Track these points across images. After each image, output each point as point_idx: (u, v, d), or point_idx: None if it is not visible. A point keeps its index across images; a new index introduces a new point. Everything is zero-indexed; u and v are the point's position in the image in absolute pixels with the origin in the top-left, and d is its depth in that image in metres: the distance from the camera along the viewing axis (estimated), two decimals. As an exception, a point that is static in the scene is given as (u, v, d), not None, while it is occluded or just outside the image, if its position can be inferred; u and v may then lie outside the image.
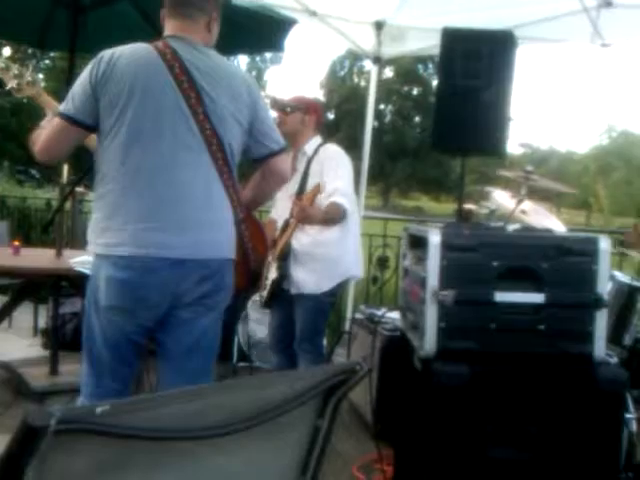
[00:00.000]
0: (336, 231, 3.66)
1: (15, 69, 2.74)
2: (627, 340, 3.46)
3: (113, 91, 2.34)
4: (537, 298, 2.55)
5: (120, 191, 2.36)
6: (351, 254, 3.85)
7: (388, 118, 49.33)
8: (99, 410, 0.98)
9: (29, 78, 2.75)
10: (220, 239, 2.47)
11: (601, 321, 2.57)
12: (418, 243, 2.79)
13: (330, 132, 39.99)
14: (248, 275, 2.69)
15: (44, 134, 2.49)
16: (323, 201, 3.56)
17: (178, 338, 2.47)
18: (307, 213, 3.46)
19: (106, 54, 2.38)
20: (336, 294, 3.96)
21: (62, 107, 2.44)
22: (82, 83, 2.39)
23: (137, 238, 2.32)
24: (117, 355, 2.44)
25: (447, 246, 2.54)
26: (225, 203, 2.48)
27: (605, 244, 2.57)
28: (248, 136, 2.54)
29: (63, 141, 2.46)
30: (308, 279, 3.67)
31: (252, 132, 2.54)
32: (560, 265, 2.56)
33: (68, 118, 2.40)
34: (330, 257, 3.69)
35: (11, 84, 2.74)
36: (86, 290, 2.49)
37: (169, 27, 2.51)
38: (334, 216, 3.58)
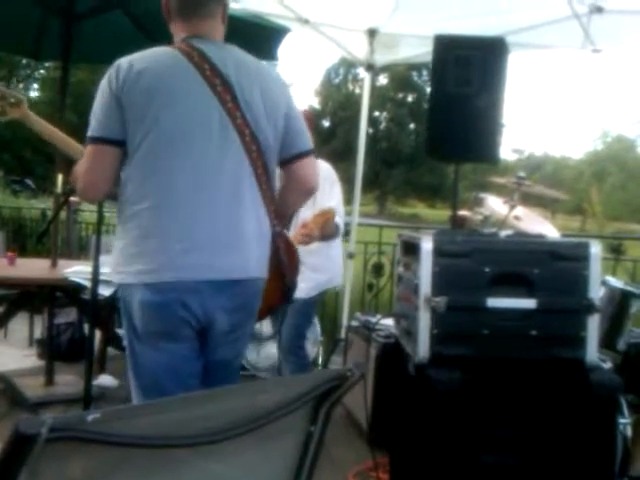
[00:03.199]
0: (324, 242, 3.78)
1: None
2: (621, 345, 3.48)
3: (140, 100, 2.12)
4: (529, 304, 2.56)
5: (154, 211, 2.14)
6: (335, 264, 4.08)
7: (383, 125, 49.46)
8: (90, 418, 0.99)
9: (12, 100, 2.57)
10: (259, 256, 2.31)
11: (593, 326, 2.58)
12: (411, 250, 2.80)
13: (326, 139, 40.11)
14: (282, 290, 2.51)
15: (81, 169, 2.24)
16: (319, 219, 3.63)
17: (207, 361, 2.32)
18: (313, 239, 3.49)
19: (123, 61, 2.16)
20: (318, 300, 4.15)
21: (89, 132, 2.19)
22: (102, 97, 2.16)
23: (175, 261, 2.13)
24: (178, 384, 2.20)
25: (439, 252, 2.55)
26: (263, 216, 2.30)
27: (596, 249, 2.58)
28: (280, 136, 2.33)
29: (102, 168, 2.19)
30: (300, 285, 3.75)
31: (284, 131, 2.33)
32: (552, 270, 2.57)
33: (97, 140, 2.16)
34: (318, 266, 3.82)
35: None
36: (123, 322, 2.29)
37: (185, 29, 2.28)
38: (329, 234, 3.71)
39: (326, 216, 3.46)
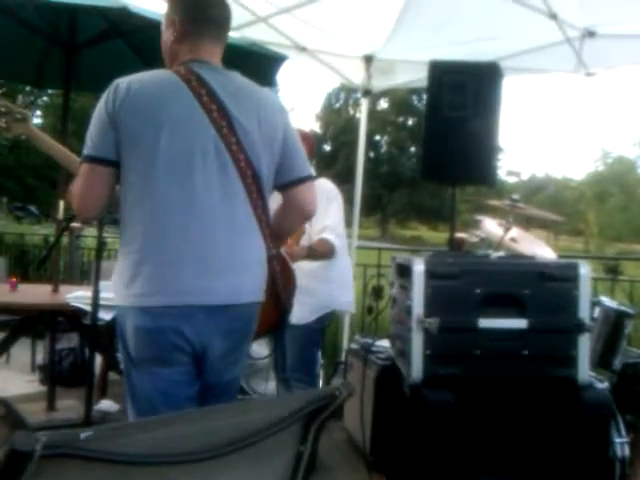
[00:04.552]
0: (319, 263, 3.70)
1: (2, 107, 2.53)
2: (616, 364, 3.50)
3: (136, 123, 2.12)
4: (520, 324, 2.60)
5: (150, 234, 2.14)
6: (335, 287, 3.88)
7: (384, 149, 49.61)
8: (83, 436, 1.02)
9: (18, 115, 2.54)
10: (255, 281, 2.29)
11: (584, 345, 2.62)
12: (404, 272, 2.84)
13: (327, 164, 40.23)
14: (278, 314, 2.52)
15: (75, 187, 2.23)
16: (314, 237, 3.60)
17: (204, 384, 2.29)
18: (293, 256, 3.44)
19: (121, 82, 2.14)
20: (323, 325, 3.96)
21: (84, 150, 2.18)
22: (97, 117, 2.16)
23: (171, 286, 2.13)
24: (173, 409, 2.10)
25: (431, 274, 2.59)
26: (259, 240, 2.28)
27: (585, 270, 2.62)
28: (277, 162, 2.31)
29: (94, 188, 2.19)
30: (294, 309, 3.70)
31: (281, 157, 2.32)
32: (542, 291, 2.61)
33: (91, 159, 2.15)
34: (313, 289, 3.65)
35: None
36: (119, 347, 2.28)
37: (186, 50, 2.28)
38: (321, 252, 3.61)
39: (298, 232, 3.41)
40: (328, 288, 3.82)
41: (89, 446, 1.03)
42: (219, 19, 2.32)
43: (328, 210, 3.68)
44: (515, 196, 3.63)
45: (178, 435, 1.17)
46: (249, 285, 2.27)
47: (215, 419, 1.25)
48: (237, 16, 4.83)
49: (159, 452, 1.15)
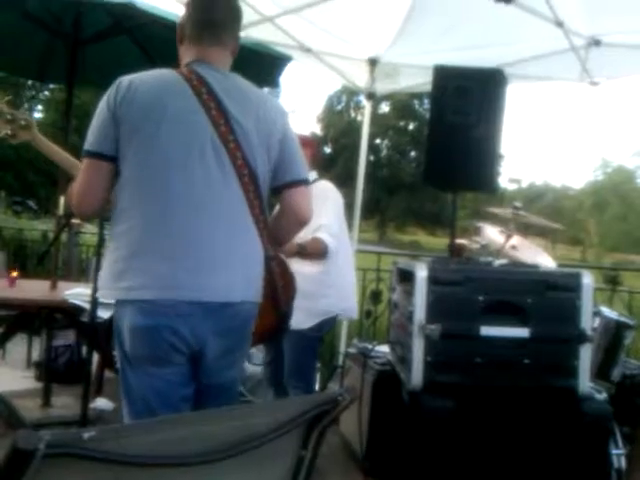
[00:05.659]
0: (318, 267, 3.62)
1: (8, 114, 2.57)
2: (615, 375, 3.49)
3: (136, 117, 2.14)
4: (522, 332, 2.59)
5: (144, 227, 2.14)
6: (335, 292, 3.77)
7: (384, 152, 49.64)
8: (86, 435, 1.01)
9: (23, 122, 2.58)
10: (251, 280, 2.27)
11: (585, 356, 2.61)
12: (406, 277, 2.83)
13: (327, 166, 40.22)
14: (277, 317, 2.47)
15: (75, 185, 2.26)
16: (308, 236, 3.53)
17: (201, 386, 2.28)
18: (283, 252, 3.36)
19: (124, 80, 2.19)
20: (322, 330, 3.85)
21: (85, 146, 2.20)
22: (99, 113, 2.19)
23: (163, 279, 2.11)
24: (169, 409, 2.15)
25: (433, 280, 2.58)
26: (256, 239, 2.27)
27: (588, 280, 2.62)
28: (273, 164, 2.32)
29: (94, 183, 2.21)
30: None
31: (278, 159, 2.32)
32: (544, 300, 2.60)
33: (92, 154, 2.18)
34: (310, 293, 3.44)
35: (4, 131, 2.57)
36: (115, 344, 2.26)
37: (192, 53, 2.31)
38: (314, 251, 3.54)
39: None
40: (327, 293, 3.71)
41: (92, 446, 1.02)
42: (220, 22, 2.32)
43: (323, 210, 3.53)
44: (517, 204, 3.63)
45: (180, 437, 1.16)
46: (245, 283, 2.25)
47: (218, 423, 1.24)
48: (243, 15, 4.84)
49: (161, 454, 1.14)
